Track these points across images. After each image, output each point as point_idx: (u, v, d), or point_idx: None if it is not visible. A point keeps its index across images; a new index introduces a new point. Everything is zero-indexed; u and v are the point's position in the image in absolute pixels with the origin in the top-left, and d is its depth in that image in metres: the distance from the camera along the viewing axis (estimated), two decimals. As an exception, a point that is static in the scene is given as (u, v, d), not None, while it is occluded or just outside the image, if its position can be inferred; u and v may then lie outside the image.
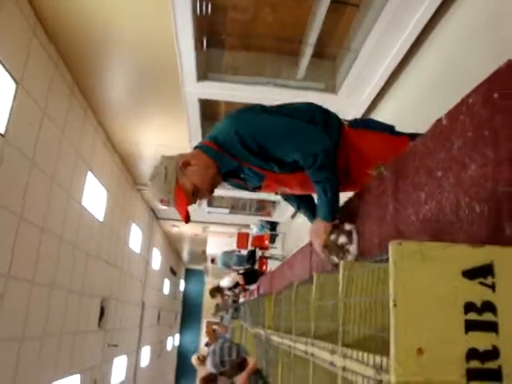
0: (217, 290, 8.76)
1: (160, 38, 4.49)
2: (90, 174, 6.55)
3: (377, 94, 4.14)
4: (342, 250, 1.52)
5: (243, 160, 1.65)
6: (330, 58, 4.39)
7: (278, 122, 1.66)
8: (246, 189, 1.90)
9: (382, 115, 4.31)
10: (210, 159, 1.65)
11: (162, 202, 1.67)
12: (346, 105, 4.31)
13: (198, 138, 5.24)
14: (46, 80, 4.84)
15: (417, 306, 0.61)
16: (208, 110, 5.03)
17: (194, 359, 5.41)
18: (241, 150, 1.60)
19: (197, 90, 4.23)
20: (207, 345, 14.40)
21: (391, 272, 0.62)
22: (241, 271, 8.91)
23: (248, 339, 3.42)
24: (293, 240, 8.66)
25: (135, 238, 10.23)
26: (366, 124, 1.85)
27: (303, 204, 2.02)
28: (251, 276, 8.22)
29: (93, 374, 7.29)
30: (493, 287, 0.62)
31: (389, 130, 1.81)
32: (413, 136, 1.66)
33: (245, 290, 8.24)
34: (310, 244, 1.77)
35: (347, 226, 1.56)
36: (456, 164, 0.94)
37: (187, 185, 1.63)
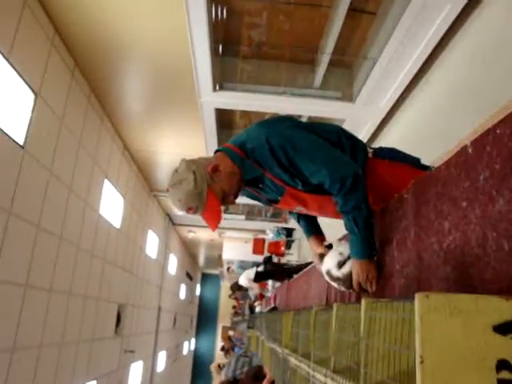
0: (237, 287, 8.49)
1: (176, 46, 4.50)
2: (106, 181, 6.60)
3: (394, 103, 4.08)
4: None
5: (267, 170, 1.60)
6: (347, 67, 4.35)
7: (310, 137, 1.60)
8: (260, 200, 1.87)
9: (399, 125, 4.26)
10: (234, 165, 1.61)
11: (189, 209, 1.59)
12: (364, 113, 4.26)
13: (214, 146, 5.24)
14: (63, 90, 4.88)
15: (445, 362, 0.57)
16: (224, 118, 5.03)
17: (212, 367, 5.41)
18: (268, 159, 1.56)
19: (213, 100, 4.22)
20: (223, 349, 14.40)
21: (417, 326, 0.58)
22: (259, 269, 8.58)
23: (264, 352, 3.38)
24: (308, 246, 8.59)
25: (152, 244, 10.27)
26: (391, 154, 1.76)
27: (302, 217, 1.98)
28: (270, 273, 7.95)
29: (109, 380, 7.32)
30: (527, 343, 0.59)
31: (415, 163, 1.72)
32: None
33: (261, 297, 8.20)
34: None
35: None
36: (482, 196, 0.90)
37: (217, 192, 1.58)
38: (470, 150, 0.96)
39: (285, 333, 1.96)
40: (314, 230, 1.99)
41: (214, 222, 1.61)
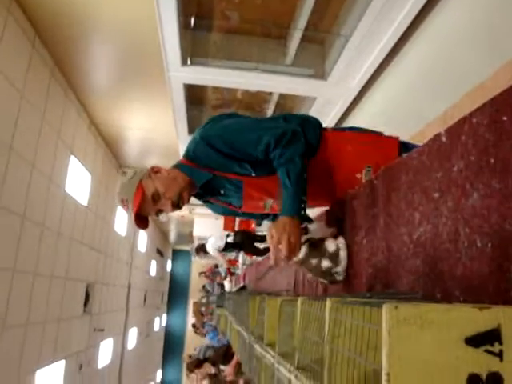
0: (201, 250, 8.27)
1: (145, 16, 4.31)
2: (72, 157, 6.38)
3: (367, 82, 4.03)
4: (327, 274, 1.41)
5: (216, 169, 1.60)
6: (319, 43, 4.26)
7: (243, 119, 1.67)
8: (235, 214, 1.90)
9: (371, 104, 4.22)
10: (182, 174, 1.62)
11: (122, 202, 1.61)
12: (335, 92, 4.20)
13: (183, 123, 5.10)
14: (23, 61, 4.63)
15: (414, 378, 0.53)
16: (194, 94, 4.89)
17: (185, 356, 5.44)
18: (210, 154, 1.56)
19: (181, 75, 4.08)
20: (194, 326, 14.46)
21: (385, 340, 0.53)
22: (229, 239, 8.35)
23: (232, 333, 3.36)
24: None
25: (121, 221, 10.10)
26: (351, 128, 1.75)
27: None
28: (240, 244, 7.82)
29: (78, 359, 7.24)
30: (500, 355, 0.54)
31: (376, 133, 1.69)
32: (404, 143, 1.61)
33: (231, 274, 8.20)
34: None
35: (331, 246, 1.40)
36: (455, 188, 0.85)
37: (149, 187, 1.58)
38: (443, 139, 0.91)
39: (251, 319, 1.92)
40: None
41: (133, 211, 1.57)
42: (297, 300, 1.10)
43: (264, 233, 9.19)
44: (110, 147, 8.25)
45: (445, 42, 3.11)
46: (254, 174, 1.58)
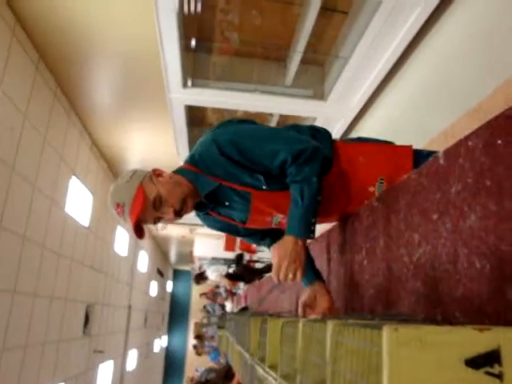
0: (201, 278, 8.37)
1: (146, 39, 4.37)
2: (74, 178, 6.41)
3: (366, 102, 4.07)
4: None
5: (223, 178, 1.45)
6: (318, 65, 4.32)
7: (258, 125, 1.54)
8: (237, 233, 1.74)
9: (371, 124, 4.26)
10: (185, 180, 1.48)
11: (117, 207, 1.42)
12: (335, 112, 4.25)
13: (184, 144, 5.15)
14: (26, 84, 4.69)
15: (415, 401, 0.53)
16: (194, 115, 4.94)
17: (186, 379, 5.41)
18: (220, 161, 1.41)
19: (182, 97, 4.13)
20: (195, 347, 14.32)
21: (385, 362, 0.54)
22: (230, 270, 8.57)
23: (233, 354, 3.34)
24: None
25: (121, 242, 10.09)
26: (361, 139, 1.67)
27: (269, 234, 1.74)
28: (241, 276, 8.01)
29: (77, 382, 7.15)
30: (500, 377, 0.55)
31: (387, 142, 1.64)
32: (418, 152, 1.48)
33: (232, 295, 8.17)
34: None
35: None
36: (454, 210, 0.87)
37: (151, 191, 1.41)
38: (441, 161, 0.92)
39: (253, 340, 1.91)
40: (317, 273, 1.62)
41: (133, 219, 1.40)
42: (298, 321, 1.10)
43: (265, 255, 9.21)
44: (111, 168, 8.29)
45: (443, 61, 3.16)
46: (265, 187, 1.44)
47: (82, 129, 6.46)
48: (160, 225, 1.52)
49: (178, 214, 1.46)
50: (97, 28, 4.36)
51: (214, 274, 8.14)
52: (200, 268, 10.05)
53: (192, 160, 1.51)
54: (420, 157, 1.45)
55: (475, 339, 0.55)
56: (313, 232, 1.34)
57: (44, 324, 5.66)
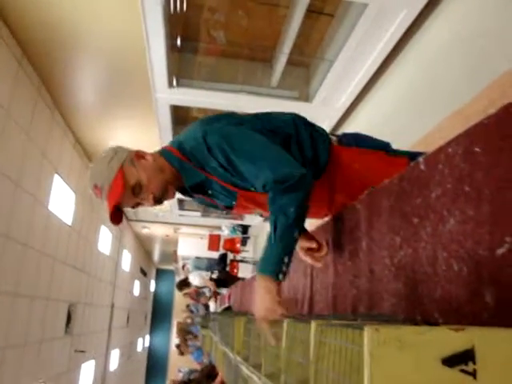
0: (184, 284, 8.46)
1: (132, 38, 4.36)
2: (57, 177, 6.35)
3: (351, 104, 4.12)
4: None
5: (211, 172, 1.41)
6: (304, 66, 4.36)
7: (252, 136, 1.38)
8: (217, 207, 1.65)
9: (355, 126, 4.31)
10: (169, 165, 1.44)
11: (95, 188, 1.39)
12: (320, 113, 4.28)
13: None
14: (9, 80, 4.63)
15: (394, 398, 0.56)
16: (179, 114, 4.94)
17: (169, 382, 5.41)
18: (208, 160, 1.37)
19: (168, 96, 4.13)
20: (178, 346, 14.27)
21: (366, 362, 0.56)
22: (213, 276, 8.80)
23: (217, 354, 3.35)
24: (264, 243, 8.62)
25: (105, 240, 10.01)
26: (358, 141, 1.57)
27: None
28: (224, 281, 8.15)
29: (59, 382, 7.08)
30: (474, 374, 0.58)
31: (384, 148, 1.56)
32: (412, 156, 1.40)
33: (216, 295, 8.17)
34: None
35: None
36: (434, 214, 0.90)
37: (131, 176, 1.38)
38: (422, 167, 0.95)
39: (237, 339, 1.93)
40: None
41: (110, 203, 1.37)
42: (282, 322, 1.12)
43: (248, 254, 9.28)
44: (94, 166, 8.22)
45: (428, 63, 3.21)
46: (253, 189, 1.39)
47: (65, 126, 6.41)
48: (135, 207, 1.47)
49: (159, 200, 1.44)
50: (82, 24, 4.33)
51: (196, 279, 8.23)
52: (183, 267, 10.05)
53: (180, 147, 1.45)
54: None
55: (451, 339, 0.58)
56: (284, 273, 1.21)
57: (25, 324, 5.59)
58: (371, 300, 1.16)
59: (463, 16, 2.84)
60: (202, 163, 1.40)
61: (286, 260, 1.21)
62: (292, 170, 1.25)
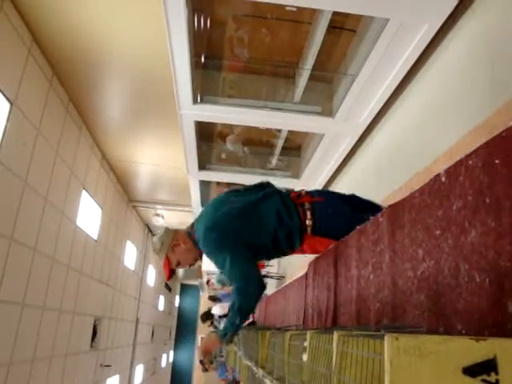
0: (208, 317, 8.87)
1: (157, 56, 4.48)
2: (84, 192, 6.49)
3: (374, 119, 4.11)
4: None
5: None
6: (327, 82, 4.38)
7: (232, 255, 2.00)
8: None
9: (378, 140, 4.30)
10: (192, 245, 2.19)
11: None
12: (343, 128, 4.29)
13: (193, 158, 5.20)
14: (40, 99, 4.80)
15: (414, 406, 0.56)
16: (204, 129, 5.00)
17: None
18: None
19: (193, 113, 4.20)
20: (202, 362, 14.23)
21: (386, 369, 0.57)
22: None
23: (241, 368, 3.34)
24: (288, 258, 8.59)
25: (130, 255, 10.13)
26: (327, 229, 2.04)
27: None
28: None
29: (84, 396, 7.15)
30: (496, 385, 0.58)
31: (345, 234, 1.95)
32: None
33: None
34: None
35: None
36: (455, 226, 0.90)
37: (173, 259, 2.23)
38: (443, 179, 0.96)
39: (261, 353, 1.93)
40: None
41: (165, 275, 2.37)
42: (305, 334, 1.13)
43: (273, 269, 9.30)
44: (120, 182, 8.38)
45: (450, 77, 3.19)
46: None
47: (92, 143, 6.57)
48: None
49: (192, 265, 2.35)
50: (109, 45, 4.47)
51: (218, 310, 8.66)
52: (208, 282, 10.16)
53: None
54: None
55: (472, 348, 0.58)
56: (228, 340, 2.05)
57: (52, 337, 5.69)
58: (394, 312, 1.16)
59: (485, 29, 2.83)
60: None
61: (231, 332, 2.01)
62: (239, 285, 2.00)
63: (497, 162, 0.77)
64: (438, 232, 0.97)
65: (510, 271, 0.72)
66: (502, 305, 0.73)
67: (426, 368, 0.57)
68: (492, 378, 0.58)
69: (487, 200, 0.79)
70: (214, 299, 9.14)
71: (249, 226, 2.08)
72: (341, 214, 2.10)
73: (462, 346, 0.58)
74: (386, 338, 0.58)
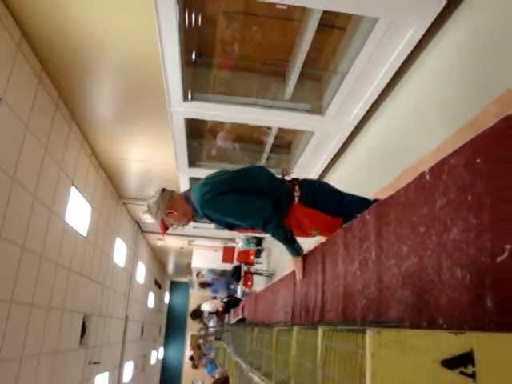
0: (197, 315, 8.96)
1: (147, 53, 4.46)
2: (73, 189, 6.46)
3: (363, 116, 4.14)
4: None
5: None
6: (317, 80, 4.40)
7: (236, 203, 2.18)
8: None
9: (368, 138, 4.33)
10: (188, 207, 2.29)
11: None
12: (332, 126, 4.32)
13: (183, 155, 5.21)
14: (29, 94, 4.77)
15: (395, 398, 0.58)
16: (194, 126, 5.00)
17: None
18: (208, 219, 2.29)
19: (183, 110, 4.20)
20: (192, 359, 14.27)
21: (368, 363, 0.59)
22: (224, 299, 9.03)
23: (230, 365, 3.36)
24: (278, 255, 8.62)
25: (120, 252, 10.10)
26: (314, 200, 2.24)
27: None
28: (233, 304, 8.30)
29: (73, 393, 7.13)
30: (473, 377, 0.60)
31: (332, 209, 2.22)
32: (349, 217, 1.93)
33: (221, 318, 8.31)
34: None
35: None
36: (438, 223, 0.92)
37: (168, 222, 2.34)
38: (427, 177, 0.98)
39: (249, 349, 1.95)
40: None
41: (161, 233, 2.40)
42: (292, 329, 1.15)
43: (262, 266, 9.36)
44: (110, 179, 8.35)
45: (438, 77, 3.23)
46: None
47: (82, 140, 6.53)
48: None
49: (186, 225, 2.41)
50: (99, 42, 4.45)
51: (207, 306, 8.80)
52: (198, 274, 10.37)
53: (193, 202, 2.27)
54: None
55: (450, 342, 0.60)
56: (299, 248, 2.16)
57: (40, 335, 5.66)
58: (380, 308, 1.18)
59: (471, 31, 2.86)
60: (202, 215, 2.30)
61: (296, 246, 2.15)
62: (266, 213, 2.12)
63: (478, 160, 0.79)
64: (422, 229, 0.99)
65: (489, 267, 0.74)
66: (481, 300, 0.75)
67: (406, 361, 0.59)
68: (469, 370, 0.59)
69: (469, 197, 0.81)
70: (205, 285, 9.34)
71: (243, 181, 2.25)
72: (328, 191, 2.36)
73: (440, 339, 0.60)
74: (367, 332, 0.60)
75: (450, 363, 0.59)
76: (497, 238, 0.73)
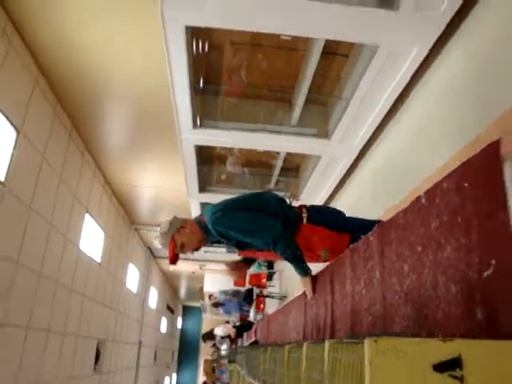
0: (209, 337, 8.98)
1: (157, 82, 4.62)
2: (87, 216, 6.59)
3: (368, 140, 4.23)
4: None
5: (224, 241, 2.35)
6: (322, 105, 4.52)
7: (246, 220, 2.24)
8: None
9: (373, 160, 4.41)
10: (199, 229, 2.30)
11: (160, 245, 2.33)
12: (339, 150, 4.41)
13: (193, 181, 5.32)
14: (45, 126, 4.94)
15: (392, 401, 0.65)
16: (204, 153, 5.13)
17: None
18: (220, 237, 2.29)
19: (193, 137, 4.32)
20: None
21: (367, 370, 0.66)
22: (236, 324, 9.08)
23: (244, 387, 3.39)
24: (290, 278, 8.64)
25: (132, 278, 10.18)
26: (321, 219, 2.30)
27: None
28: (245, 328, 8.36)
29: (87, 420, 7.12)
30: (461, 379, 0.67)
31: (339, 226, 2.27)
32: (355, 233, 2.07)
33: (234, 343, 8.35)
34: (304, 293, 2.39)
35: None
36: (434, 242, 1.00)
37: (178, 240, 2.29)
38: (423, 200, 1.06)
39: (263, 368, 2.01)
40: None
41: (169, 256, 2.34)
42: (302, 346, 1.22)
43: (275, 289, 9.38)
44: (122, 205, 8.49)
45: (440, 98, 3.31)
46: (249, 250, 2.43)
47: (95, 168, 6.69)
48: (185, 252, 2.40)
49: (196, 250, 2.37)
50: (111, 73, 4.63)
51: (220, 330, 8.85)
52: (210, 297, 10.43)
53: (205, 222, 2.29)
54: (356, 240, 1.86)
55: (441, 348, 0.68)
56: (307, 268, 2.23)
57: (56, 360, 5.72)
58: (385, 324, 1.25)
59: (472, 52, 2.96)
60: (214, 236, 2.31)
61: (304, 265, 2.22)
62: (275, 232, 2.19)
63: (466, 185, 0.87)
64: (419, 248, 1.07)
65: (477, 281, 0.82)
66: (471, 312, 0.82)
67: (401, 366, 0.66)
68: (458, 373, 0.67)
69: (459, 219, 0.89)
70: (217, 305, 9.41)
71: (254, 201, 2.33)
72: (333, 211, 2.48)
73: (432, 346, 0.68)
74: (365, 341, 0.68)
75: (441, 367, 0.67)
76: (483, 254, 0.81)
